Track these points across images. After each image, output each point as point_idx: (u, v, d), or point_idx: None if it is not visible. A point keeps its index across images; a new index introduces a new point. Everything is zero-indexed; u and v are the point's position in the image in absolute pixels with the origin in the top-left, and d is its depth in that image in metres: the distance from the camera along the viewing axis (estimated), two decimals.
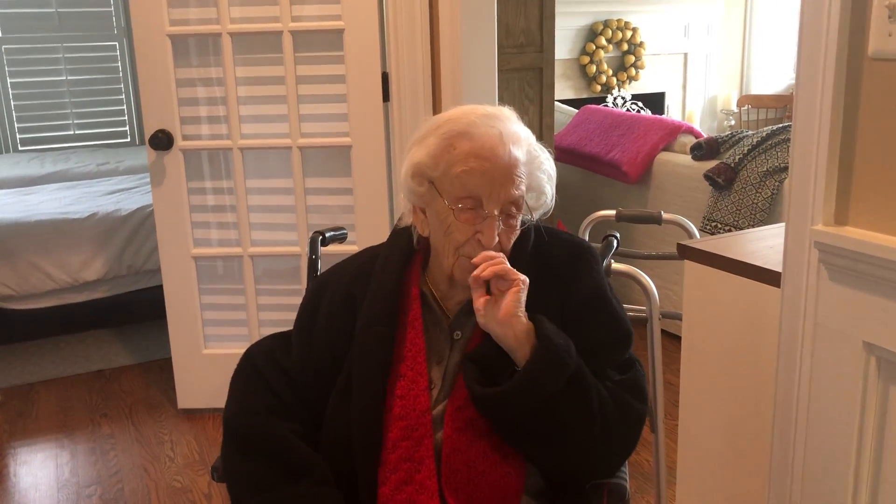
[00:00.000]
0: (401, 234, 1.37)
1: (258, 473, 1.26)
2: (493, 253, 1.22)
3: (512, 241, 1.28)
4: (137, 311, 3.97)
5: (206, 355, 3.03)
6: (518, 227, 1.28)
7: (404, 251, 1.35)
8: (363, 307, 1.31)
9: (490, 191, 1.23)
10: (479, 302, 1.23)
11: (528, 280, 1.23)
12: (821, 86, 1.38)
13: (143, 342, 3.76)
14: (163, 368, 3.40)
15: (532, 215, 1.32)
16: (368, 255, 1.40)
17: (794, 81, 7.15)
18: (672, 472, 2.12)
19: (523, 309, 1.22)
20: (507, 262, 1.23)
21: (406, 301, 1.31)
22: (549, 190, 1.31)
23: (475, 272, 1.21)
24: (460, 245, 1.26)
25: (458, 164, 1.23)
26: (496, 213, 1.23)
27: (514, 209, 1.26)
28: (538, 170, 1.29)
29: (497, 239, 1.24)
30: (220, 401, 2.97)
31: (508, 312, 1.21)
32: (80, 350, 3.70)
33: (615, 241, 1.55)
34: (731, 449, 1.96)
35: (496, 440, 1.24)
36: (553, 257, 1.33)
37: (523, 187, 1.25)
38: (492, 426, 1.24)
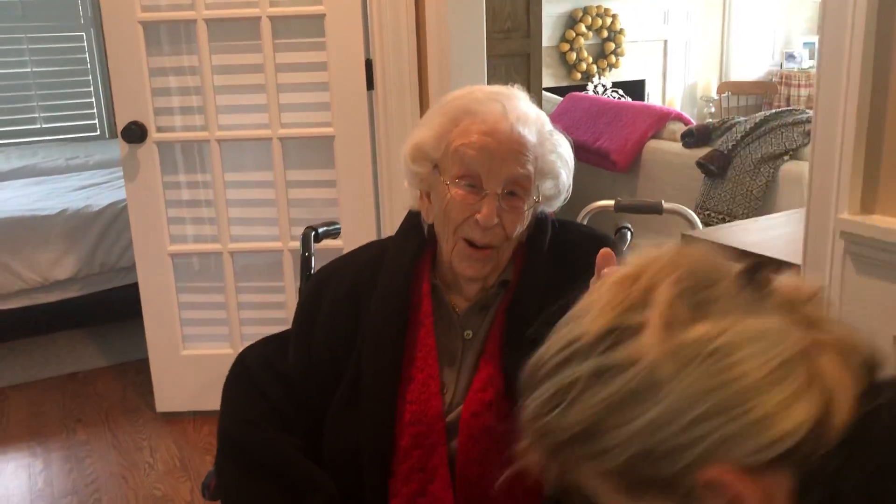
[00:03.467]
0: (412, 224, 1.28)
1: (260, 491, 1.17)
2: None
3: (517, 228, 1.17)
4: (111, 311, 3.82)
5: (185, 356, 2.92)
6: (525, 211, 1.17)
7: (415, 243, 1.26)
8: (371, 305, 1.22)
9: (490, 167, 1.13)
10: None
11: None
12: (846, 69, 1.30)
13: (117, 343, 3.62)
14: (139, 370, 3.27)
15: (547, 204, 1.22)
16: (375, 250, 1.30)
17: (773, 68, 7.15)
18: None
19: None
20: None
21: (416, 297, 1.22)
22: (566, 176, 1.22)
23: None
24: (458, 225, 1.16)
25: (457, 139, 1.15)
26: (497, 191, 1.14)
27: (518, 189, 1.15)
28: (551, 153, 1.19)
29: (497, 220, 1.14)
30: (200, 403, 2.90)
31: None
32: (52, 352, 3.56)
33: (629, 234, 1.47)
34: None
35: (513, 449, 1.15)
36: (574, 251, 1.22)
37: (530, 167, 1.15)
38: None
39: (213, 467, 1.27)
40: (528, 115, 1.17)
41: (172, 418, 2.95)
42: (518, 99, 1.19)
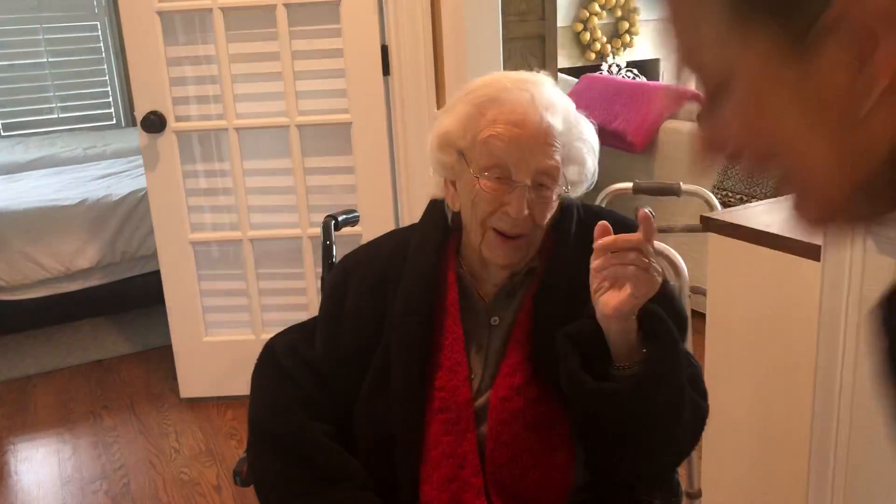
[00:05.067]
0: (435, 211, 1.28)
1: (293, 478, 1.19)
2: (626, 242, 1.04)
3: (547, 217, 1.17)
4: (133, 299, 3.87)
5: (208, 343, 2.95)
6: (554, 200, 1.17)
7: (440, 232, 1.25)
8: (398, 294, 1.22)
9: (519, 158, 1.12)
10: (595, 283, 1.07)
11: (657, 286, 1.05)
12: None
13: (140, 330, 3.67)
14: (163, 357, 3.32)
15: (572, 190, 1.21)
16: (400, 238, 1.31)
17: None
18: (698, 449, 2.07)
19: (630, 315, 1.06)
20: (649, 256, 1.03)
21: (443, 285, 1.22)
22: (592, 162, 1.21)
23: (595, 264, 1.04)
24: (487, 216, 1.15)
25: (485, 130, 1.14)
26: (527, 182, 1.13)
27: (547, 180, 1.15)
28: (577, 139, 1.18)
29: (527, 211, 1.13)
30: (223, 389, 2.94)
31: (605, 313, 1.06)
32: (77, 340, 3.61)
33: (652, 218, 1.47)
34: (759, 424, 1.91)
35: (543, 433, 1.16)
36: None
37: (558, 157, 1.14)
38: (550, 409, 1.15)
39: (243, 454, 1.29)
40: (555, 103, 1.15)
41: (196, 404, 2.99)
42: (545, 86, 1.18)
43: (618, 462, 1.16)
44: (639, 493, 1.21)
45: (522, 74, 1.20)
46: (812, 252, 1.55)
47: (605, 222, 1.07)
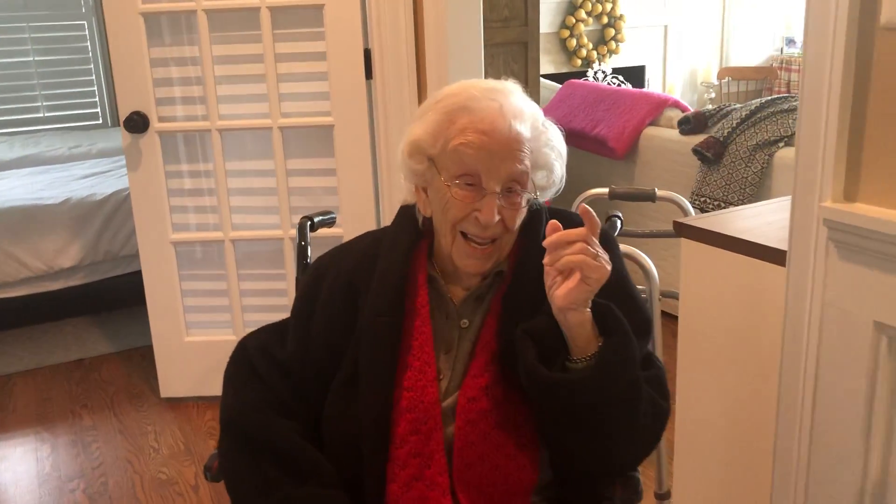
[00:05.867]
0: (406, 216, 1.30)
1: (262, 474, 1.20)
2: (572, 235, 1.09)
3: (517, 222, 1.20)
4: (115, 298, 3.87)
5: (189, 343, 2.96)
6: (523, 205, 1.20)
7: (411, 234, 1.28)
8: (368, 294, 1.24)
9: (489, 166, 1.15)
10: (550, 279, 1.11)
11: (607, 273, 1.09)
12: (830, 57, 1.33)
13: (122, 330, 3.67)
14: (144, 356, 3.33)
15: (540, 195, 1.24)
16: (371, 239, 1.33)
17: (774, 53, 7.13)
18: (668, 451, 2.10)
19: (584, 304, 1.10)
20: (595, 246, 1.09)
21: (413, 287, 1.25)
22: (559, 168, 1.24)
23: (546, 260, 1.10)
24: (458, 221, 1.18)
25: (455, 138, 1.16)
26: (497, 189, 1.16)
27: (517, 186, 1.18)
28: (545, 146, 1.21)
29: (498, 217, 1.17)
30: (204, 389, 2.95)
31: (559, 304, 1.10)
32: (58, 339, 3.61)
33: (619, 222, 1.50)
34: (729, 428, 1.94)
35: (510, 432, 1.18)
36: None
37: (527, 162, 1.17)
38: (516, 409, 1.18)
39: (215, 450, 1.30)
40: (523, 111, 1.19)
41: (176, 403, 3.00)
42: (513, 94, 1.21)
43: (575, 455, 1.18)
44: (600, 490, 1.23)
45: (491, 83, 1.22)
46: (780, 258, 1.58)
47: (555, 221, 1.12)
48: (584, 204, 1.12)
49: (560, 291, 1.10)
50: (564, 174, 1.26)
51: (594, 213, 1.11)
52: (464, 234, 1.20)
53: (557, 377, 1.11)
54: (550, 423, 1.16)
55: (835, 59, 1.32)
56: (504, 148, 1.15)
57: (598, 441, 1.15)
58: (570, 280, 1.09)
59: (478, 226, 1.17)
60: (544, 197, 1.27)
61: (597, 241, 1.10)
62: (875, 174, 1.32)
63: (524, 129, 1.17)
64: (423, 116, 1.21)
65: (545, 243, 1.10)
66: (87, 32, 5.61)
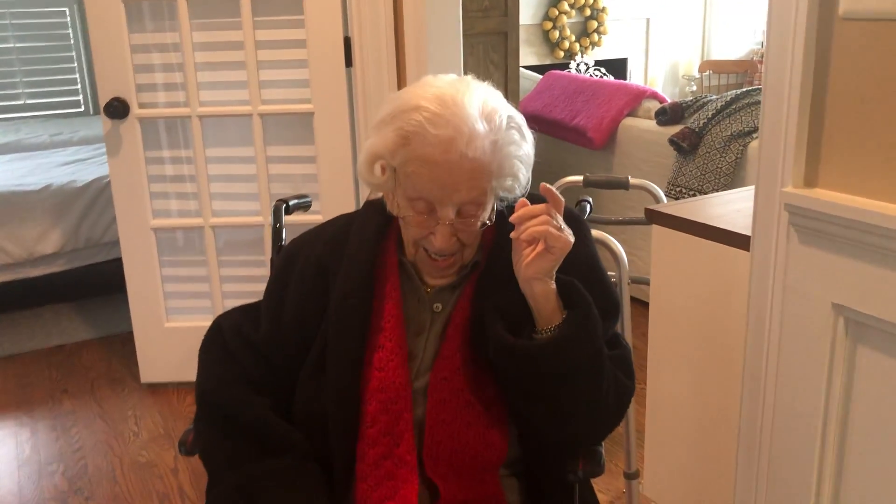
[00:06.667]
0: (377, 202, 1.32)
1: (236, 447, 1.23)
2: (537, 209, 1.14)
3: (476, 237, 1.22)
4: (96, 285, 3.88)
5: (169, 328, 2.98)
6: (480, 225, 1.21)
7: (382, 218, 1.30)
8: (338, 277, 1.27)
9: (441, 195, 1.16)
10: (517, 253, 1.17)
11: (570, 243, 1.15)
12: (791, 47, 1.37)
13: (102, 316, 3.68)
14: (124, 342, 3.34)
15: (507, 197, 1.24)
16: (342, 223, 1.35)
17: (755, 47, 7.19)
18: (639, 436, 2.14)
19: (548, 274, 1.16)
20: (558, 219, 1.14)
21: (383, 270, 1.27)
22: (524, 174, 1.23)
23: (513, 233, 1.15)
24: (418, 240, 1.22)
25: (409, 164, 1.16)
26: (451, 216, 1.17)
27: (472, 208, 1.19)
28: (510, 156, 1.19)
29: (453, 240, 1.19)
30: (184, 374, 2.97)
31: (526, 274, 1.16)
32: (38, 325, 3.61)
33: (588, 207, 1.54)
34: (698, 411, 1.98)
35: (480, 411, 1.22)
36: None
37: (484, 184, 1.17)
38: (486, 389, 1.22)
39: (191, 425, 1.33)
40: (478, 134, 1.14)
41: (157, 389, 3.02)
42: (468, 118, 1.14)
43: (539, 427, 1.22)
44: (565, 463, 1.27)
45: (445, 101, 1.15)
46: (746, 243, 1.62)
47: (523, 199, 1.17)
48: (544, 183, 1.16)
49: (526, 261, 1.15)
50: (530, 178, 1.25)
51: (556, 191, 1.15)
52: (425, 248, 1.23)
53: (521, 343, 1.15)
54: (515, 393, 1.20)
55: (795, 49, 1.36)
56: (456, 178, 1.14)
57: (561, 413, 1.18)
58: (534, 251, 1.14)
59: (434, 248, 1.20)
60: (510, 198, 1.25)
61: (559, 216, 1.15)
62: (834, 161, 1.37)
63: (479, 153, 1.14)
64: (380, 131, 1.20)
65: (512, 218, 1.15)
66: (68, 20, 5.58)
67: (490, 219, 1.22)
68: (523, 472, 1.31)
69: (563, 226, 1.15)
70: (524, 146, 1.21)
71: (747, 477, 1.59)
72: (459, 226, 1.19)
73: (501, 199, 1.25)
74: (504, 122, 1.18)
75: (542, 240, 1.13)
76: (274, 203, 1.69)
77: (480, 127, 1.15)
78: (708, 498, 1.99)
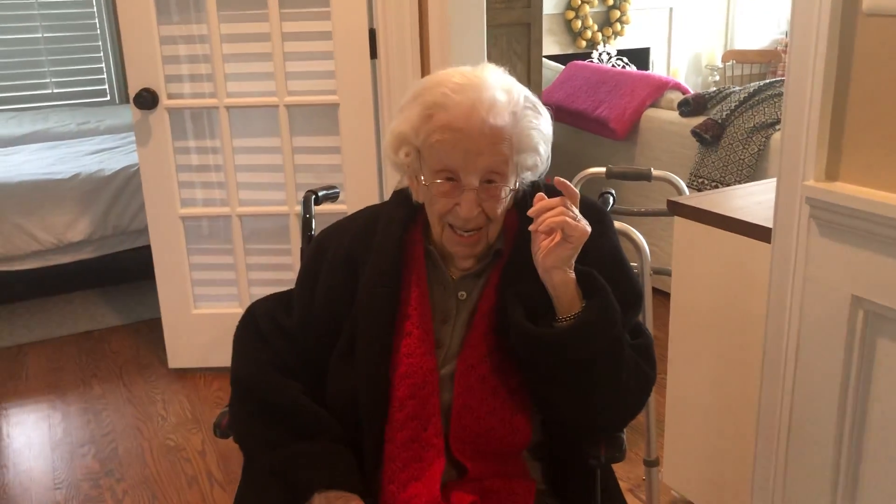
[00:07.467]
0: (404, 193, 1.36)
1: (271, 430, 1.27)
2: (553, 202, 1.18)
3: (499, 210, 1.25)
4: (124, 272, 3.96)
5: (196, 315, 3.04)
6: (504, 196, 1.25)
7: (408, 209, 1.33)
8: (367, 267, 1.31)
9: (465, 162, 1.20)
10: (536, 245, 1.21)
11: (587, 232, 1.19)
12: (814, 41, 1.39)
13: (130, 302, 3.75)
14: (152, 328, 3.41)
15: (530, 175, 1.28)
16: (370, 214, 1.39)
17: (779, 37, 7.12)
18: (660, 425, 2.17)
19: (567, 263, 1.20)
20: (574, 210, 1.18)
21: (410, 260, 1.31)
22: (544, 149, 1.27)
23: (532, 226, 1.19)
24: (443, 214, 1.25)
25: (433, 135, 1.21)
26: (476, 183, 1.21)
27: (496, 177, 1.23)
28: (529, 129, 1.24)
29: (477, 210, 1.22)
30: (211, 360, 3.03)
31: (545, 264, 1.19)
32: (68, 311, 3.69)
33: (611, 199, 1.56)
34: (718, 401, 2.01)
35: (505, 397, 1.25)
36: None
37: (506, 151, 1.21)
38: (511, 376, 1.25)
39: (225, 407, 1.38)
40: (495, 102, 1.20)
41: (184, 374, 3.08)
42: (486, 89, 1.21)
43: (561, 413, 1.26)
44: (587, 448, 1.30)
45: (467, 75, 1.24)
46: (766, 235, 1.64)
47: (540, 193, 1.20)
48: (558, 177, 1.21)
49: (544, 251, 1.19)
50: (550, 154, 1.30)
51: (570, 184, 1.20)
52: (451, 225, 1.26)
53: (541, 331, 1.19)
54: (538, 380, 1.24)
55: (819, 44, 1.37)
56: (479, 143, 1.19)
57: (582, 399, 1.22)
58: (552, 241, 1.18)
59: (460, 219, 1.23)
60: (533, 177, 1.29)
61: (575, 207, 1.19)
62: (855, 155, 1.38)
63: (501, 120, 1.20)
64: (404, 111, 1.26)
65: (530, 212, 1.19)
66: (95, 9, 5.64)
67: (515, 187, 1.26)
68: (546, 456, 1.34)
69: (579, 216, 1.19)
70: (542, 120, 1.27)
71: (765, 466, 1.62)
72: (484, 195, 1.23)
73: (515, 187, 1.27)
74: (521, 99, 1.25)
75: (559, 230, 1.17)
76: (303, 194, 1.72)
77: (501, 96, 1.21)
78: (726, 487, 2.02)
